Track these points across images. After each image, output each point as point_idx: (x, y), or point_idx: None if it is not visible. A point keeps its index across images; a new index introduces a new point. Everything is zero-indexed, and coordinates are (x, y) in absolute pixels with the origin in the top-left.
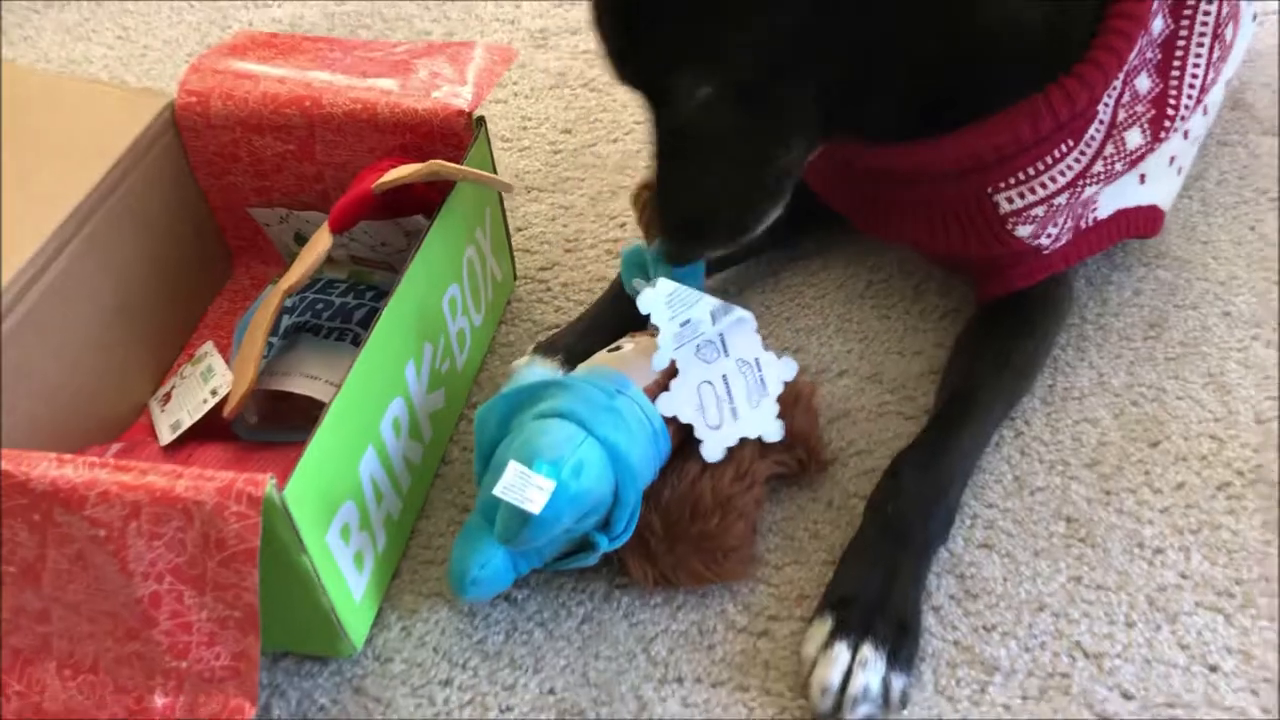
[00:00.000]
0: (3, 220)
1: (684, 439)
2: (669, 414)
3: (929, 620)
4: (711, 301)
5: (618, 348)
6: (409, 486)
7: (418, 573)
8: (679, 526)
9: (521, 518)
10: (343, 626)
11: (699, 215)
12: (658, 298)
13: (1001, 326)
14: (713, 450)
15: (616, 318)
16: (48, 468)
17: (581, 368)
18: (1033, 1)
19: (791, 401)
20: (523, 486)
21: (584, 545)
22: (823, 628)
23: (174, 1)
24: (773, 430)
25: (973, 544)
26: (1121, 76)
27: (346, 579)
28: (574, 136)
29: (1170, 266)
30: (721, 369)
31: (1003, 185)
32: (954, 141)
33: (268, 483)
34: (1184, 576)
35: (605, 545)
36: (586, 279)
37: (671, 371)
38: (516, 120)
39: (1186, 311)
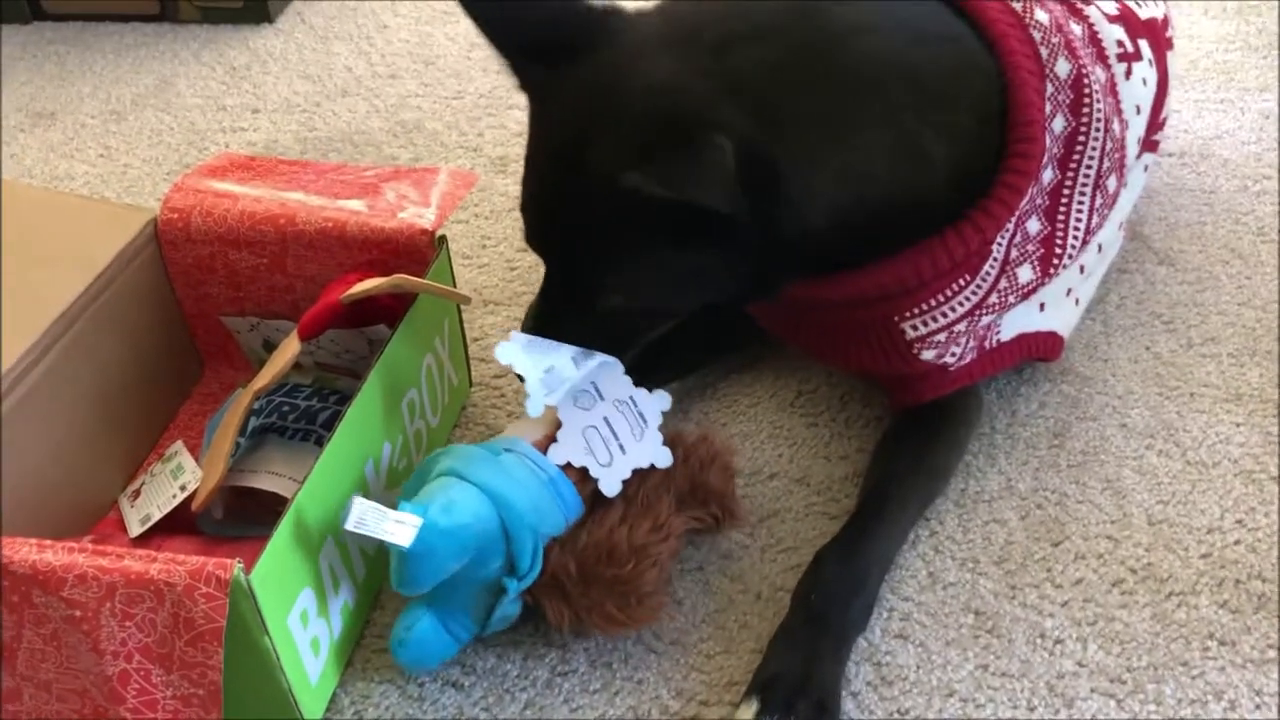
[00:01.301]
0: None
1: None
2: (561, 461)
3: (848, 705)
4: (570, 348)
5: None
6: (364, 578)
7: (370, 660)
8: (595, 571)
9: (399, 556)
10: (299, 707)
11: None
12: (515, 349)
13: (916, 433)
14: (610, 486)
15: None
16: (29, 552)
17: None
18: (938, 155)
19: (709, 460)
20: (377, 520)
21: (500, 594)
22: (749, 710)
23: (154, 124)
24: (661, 457)
25: (889, 634)
26: (1014, 220)
27: (304, 661)
28: (529, 255)
29: (1073, 382)
30: (601, 412)
31: (908, 314)
32: (862, 277)
33: (235, 566)
34: (1081, 665)
35: (515, 587)
36: None
37: (557, 425)
38: (476, 239)
39: (1087, 423)
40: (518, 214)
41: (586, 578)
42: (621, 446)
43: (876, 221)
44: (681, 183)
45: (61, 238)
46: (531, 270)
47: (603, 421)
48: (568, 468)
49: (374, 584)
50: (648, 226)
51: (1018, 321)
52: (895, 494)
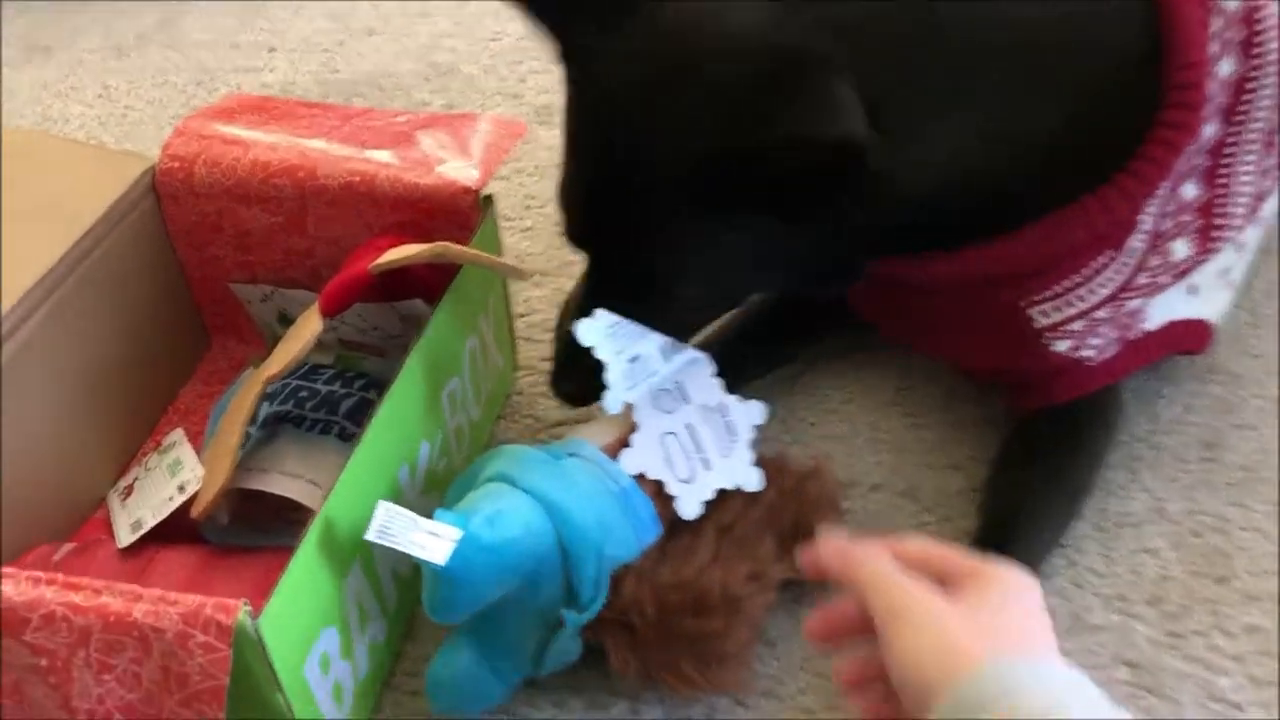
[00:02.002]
0: None
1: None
2: (634, 471)
3: None
4: (658, 337)
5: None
6: (395, 605)
7: (402, 704)
8: (677, 619)
9: (433, 576)
10: None
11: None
12: (599, 330)
13: (1045, 441)
14: (688, 507)
15: None
16: None
17: None
18: (1068, 106)
19: (819, 499)
20: (405, 530)
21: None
22: None
23: (159, 62)
24: (751, 479)
25: None
26: (1168, 183)
27: (324, 715)
28: None
29: (1223, 381)
30: (684, 418)
31: (1037, 298)
32: (982, 254)
33: (240, 609)
34: None
35: (574, 620)
36: None
37: (631, 428)
38: (519, 199)
39: (1245, 431)
40: None
41: (666, 627)
42: (705, 461)
43: (1000, 184)
44: (815, 119)
45: (43, 187)
46: None
47: (685, 429)
48: (641, 480)
49: (406, 611)
50: (738, 199)
51: (1166, 308)
52: (1027, 514)
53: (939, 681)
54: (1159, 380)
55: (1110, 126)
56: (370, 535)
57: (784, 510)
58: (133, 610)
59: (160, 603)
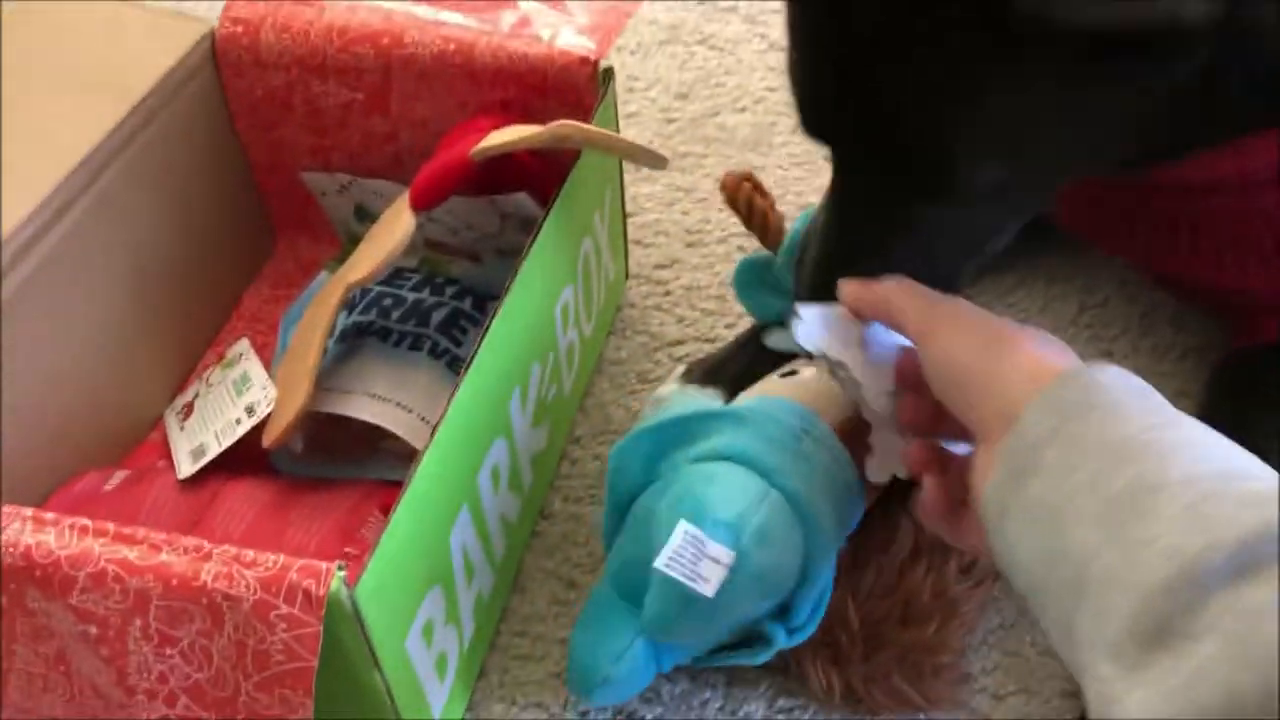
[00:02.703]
0: None
1: (881, 497)
2: (882, 480)
3: None
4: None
5: (793, 371)
6: (503, 554)
7: (509, 671)
8: (884, 629)
9: (683, 602)
10: None
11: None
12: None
13: (1273, 380)
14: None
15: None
16: (20, 531)
17: (749, 395)
18: None
19: None
20: (695, 559)
21: (752, 637)
22: None
23: None
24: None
25: None
26: None
27: (426, 693)
28: (692, 103)
29: None
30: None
31: None
32: (1260, 146)
33: (334, 575)
34: None
35: (783, 640)
36: (714, 281)
37: (849, 403)
38: (621, 80)
39: None
40: (672, 48)
41: (871, 638)
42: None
43: None
44: None
45: (84, 56)
46: (696, 124)
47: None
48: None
49: (514, 559)
50: (1056, 46)
51: None
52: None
53: (981, 370)
54: None
55: None
56: (660, 563)
57: None
58: (200, 572)
59: (234, 563)
